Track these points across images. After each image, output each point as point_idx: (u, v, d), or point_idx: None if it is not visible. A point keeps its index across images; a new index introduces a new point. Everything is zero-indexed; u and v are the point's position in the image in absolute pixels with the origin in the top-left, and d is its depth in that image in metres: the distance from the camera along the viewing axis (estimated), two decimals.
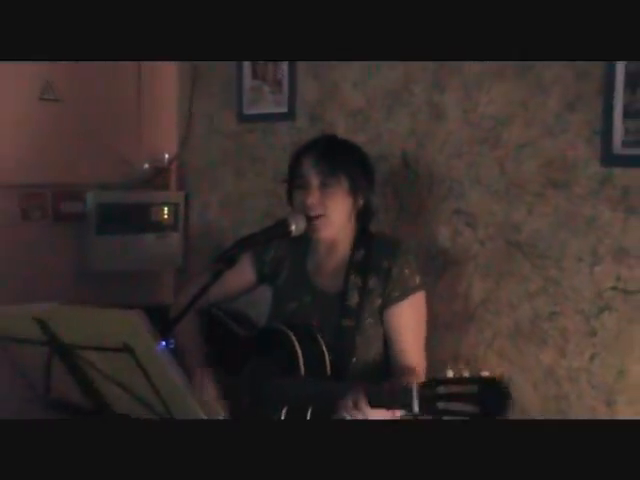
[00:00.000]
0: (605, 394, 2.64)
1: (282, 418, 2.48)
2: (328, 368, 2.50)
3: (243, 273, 2.75)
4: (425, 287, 2.61)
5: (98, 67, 3.58)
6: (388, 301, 2.57)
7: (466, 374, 2.10)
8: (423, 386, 2.13)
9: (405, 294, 2.57)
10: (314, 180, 2.58)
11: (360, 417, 2.27)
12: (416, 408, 2.14)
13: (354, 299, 2.58)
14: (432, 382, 2.13)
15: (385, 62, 3.12)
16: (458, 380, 2.09)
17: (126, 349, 2.07)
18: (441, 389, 2.11)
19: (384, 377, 2.52)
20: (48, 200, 3.59)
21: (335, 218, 2.59)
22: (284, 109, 3.52)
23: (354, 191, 2.61)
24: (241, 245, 2.58)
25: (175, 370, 2.09)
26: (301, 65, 3.43)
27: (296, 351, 2.49)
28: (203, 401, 2.46)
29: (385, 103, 3.15)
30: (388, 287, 2.56)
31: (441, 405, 2.10)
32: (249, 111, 3.67)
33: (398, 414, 2.25)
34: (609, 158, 2.61)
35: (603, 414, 2.64)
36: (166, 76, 3.90)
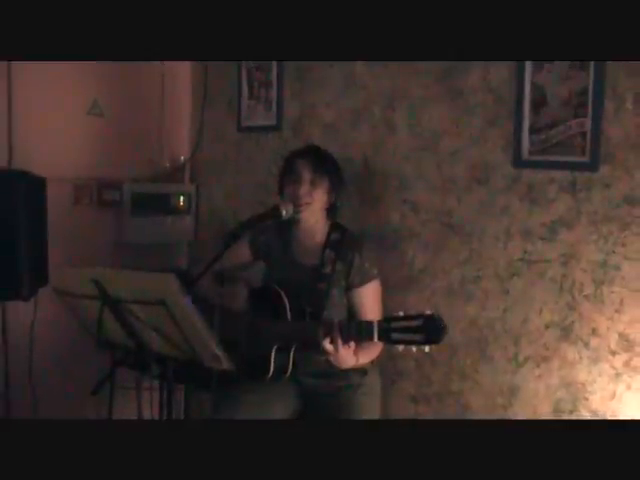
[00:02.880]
0: (514, 337, 2.67)
1: (273, 354, 2.52)
2: (307, 318, 2.54)
3: (243, 251, 2.81)
4: (379, 276, 2.67)
5: (131, 88, 3.64)
6: (351, 285, 2.63)
7: (413, 313, 2.19)
8: (381, 322, 2.24)
9: (364, 281, 2.63)
10: (306, 175, 2.64)
11: (333, 349, 2.34)
12: (375, 338, 2.23)
13: (327, 269, 2.63)
14: (388, 319, 2.24)
15: (351, 85, 3.12)
16: (407, 317, 2.19)
17: (161, 303, 2.11)
18: (394, 324, 2.20)
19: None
20: (94, 190, 3.63)
21: (317, 207, 2.66)
22: (273, 122, 3.50)
23: (332, 189, 2.69)
24: (243, 225, 2.64)
25: (198, 317, 2.12)
26: (287, 88, 3.43)
27: (284, 304, 2.54)
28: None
29: (351, 119, 3.15)
30: (351, 274, 2.62)
31: (395, 336, 2.20)
32: (246, 124, 3.67)
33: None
34: (519, 162, 2.63)
35: (511, 352, 2.68)
36: (183, 95, 3.91)
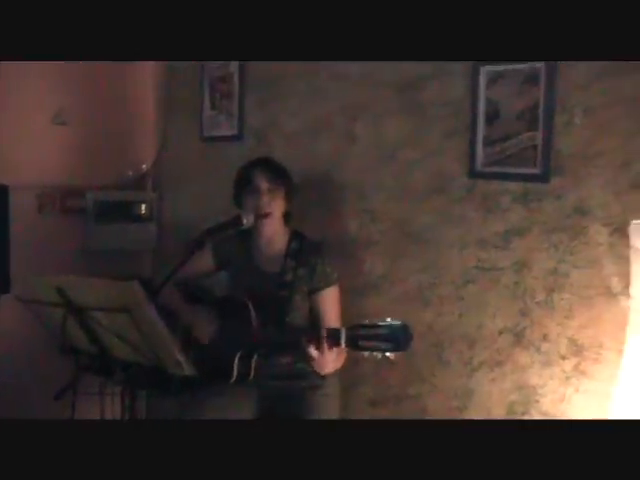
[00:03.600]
0: (469, 342, 2.74)
1: (236, 360, 2.55)
2: (270, 325, 2.58)
3: (206, 260, 2.84)
4: (339, 281, 2.72)
5: (94, 97, 3.65)
6: (313, 289, 2.69)
7: (380, 321, 2.24)
8: (348, 329, 2.29)
9: (327, 285, 2.69)
10: (264, 185, 2.70)
11: (318, 354, 2.38)
12: (343, 344, 2.29)
13: (289, 277, 2.68)
14: (355, 326, 2.29)
15: (314, 97, 3.18)
16: (374, 325, 2.24)
17: (125, 310, 2.14)
18: (361, 331, 2.25)
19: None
20: (57, 198, 3.64)
21: (277, 216, 2.72)
22: (235, 132, 3.55)
23: (288, 197, 2.74)
24: (205, 234, 2.67)
25: (161, 324, 2.15)
26: (250, 99, 3.48)
27: (249, 311, 2.57)
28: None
29: (313, 130, 3.20)
30: (314, 279, 2.68)
31: (361, 343, 2.25)
32: (208, 133, 3.70)
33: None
34: (474, 173, 2.69)
35: (467, 356, 2.74)
36: (146, 104, 3.93)
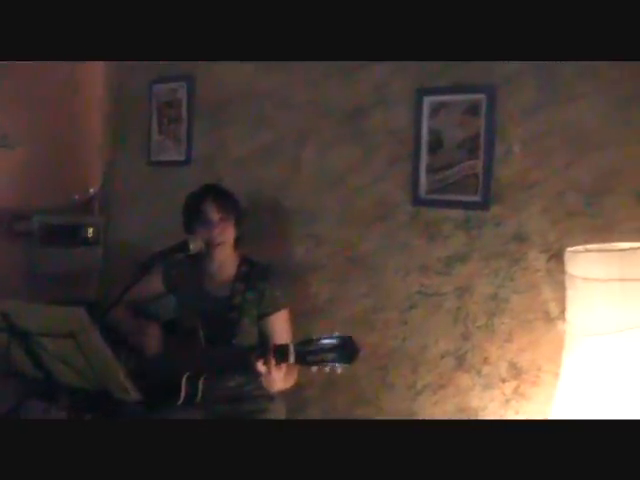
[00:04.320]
0: (412, 365, 2.78)
1: (184, 382, 2.52)
2: (218, 347, 2.57)
3: (155, 284, 2.83)
4: (288, 306, 2.71)
5: (42, 121, 3.63)
6: (262, 314, 2.69)
7: (327, 335, 2.27)
8: (297, 345, 2.30)
9: (276, 309, 2.69)
10: (215, 216, 2.70)
11: (266, 370, 2.36)
12: (292, 360, 2.30)
13: (237, 300, 2.68)
14: (303, 342, 2.30)
15: (262, 124, 3.20)
16: (322, 339, 2.26)
17: (70, 336, 2.11)
18: (309, 347, 2.27)
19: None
20: (4, 221, 3.59)
21: (228, 243, 2.73)
22: (182, 157, 3.54)
23: (238, 224, 2.76)
24: (153, 258, 2.66)
25: (106, 350, 2.14)
26: (198, 124, 3.49)
27: (198, 333, 2.56)
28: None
29: (260, 156, 3.22)
30: (263, 303, 2.68)
31: (310, 358, 2.27)
32: (156, 158, 3.69)
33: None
34: (417, 201, 2.75)
35: (410, 379, 2.78)
36: (93, 128, 3.90)
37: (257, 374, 2.42)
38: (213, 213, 2.71)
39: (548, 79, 2.52)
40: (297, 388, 2.98)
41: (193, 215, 2.76)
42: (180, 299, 2.82)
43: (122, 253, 3.85)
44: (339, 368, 2.25)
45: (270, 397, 2.72)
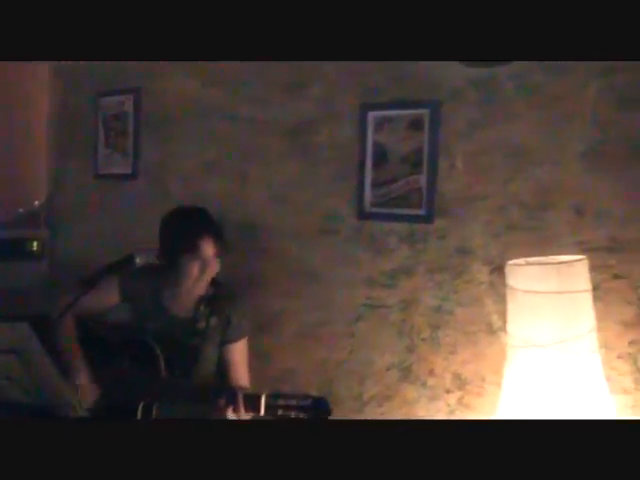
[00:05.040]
0: (359, 377, 2.80)
1: (140, 409, 2.44)
2: (177, 374, 2.54)
3: (111, 297, 2.73)
4: (249, 334, 2.69)
5: None
6: (226, 341, 2.65)
7: (300, 393, 2.27)
8: (269, 397, 2.27)
9: (240, 337, 2.66)
10: (211, 253, 2.61)
11: (234, 416, 2.33)
12: (262, 412, 2.28)
13: (201, 325, 2.63)
14: (276, 395, 2.28)
15: (209, 138, 3.21)
16: (294, 395, 2.26)
17: (13, 351, 2.05)
18: (281, 401, 2.25)
19: (217, 386, 2.57)
20: None
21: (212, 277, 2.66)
22: (129, 171, 3.53)
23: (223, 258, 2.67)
24: (99, 272, 2.61)
25: (51, 366, 2.12)
26: (145, 137, 3.47)
27: (158, 358, 2.52)
28: (76, 385, 2.45)
29: (208, 170, 3.22)
30: (228, 331, 2.64)
31: (280, 412, 2.25)
32: (102, 171, 3.67)
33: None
34: (362, 214, 2.78)
35: (357, 391, 2.80)
36: (38, 141, 3.88)
37: (222, 414, 2.37)
38: (209, 249, 2.60)
39: (490, 95, 2.57)
40: None
41: (186, 250, 2.59)
42: (138, 315, 2.74)
43: (67, 267, 3.82)
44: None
45: None
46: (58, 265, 3.88)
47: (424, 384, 2.67)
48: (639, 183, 2.34)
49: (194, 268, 2.60)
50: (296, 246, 2.98)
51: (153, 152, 3.45)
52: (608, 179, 2.38)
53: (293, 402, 2.24)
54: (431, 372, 2.65)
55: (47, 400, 2.16)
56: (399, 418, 2.70)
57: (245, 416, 2.34)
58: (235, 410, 2.33)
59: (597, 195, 2.40)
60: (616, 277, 2.37)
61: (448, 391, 2.62)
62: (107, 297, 2.72)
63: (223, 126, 3.18)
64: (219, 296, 2.68)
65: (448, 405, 2.62)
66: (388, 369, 2.74)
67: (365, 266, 2.79)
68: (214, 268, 2.64)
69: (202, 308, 2.66)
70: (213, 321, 2.64)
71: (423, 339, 2.67)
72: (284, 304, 3.01)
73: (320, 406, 2.24)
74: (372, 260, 2.78)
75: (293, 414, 2.24)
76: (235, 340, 2.66)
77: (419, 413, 2.68)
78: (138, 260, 2.62)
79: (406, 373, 2.70)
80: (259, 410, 2.28)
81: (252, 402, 2.29)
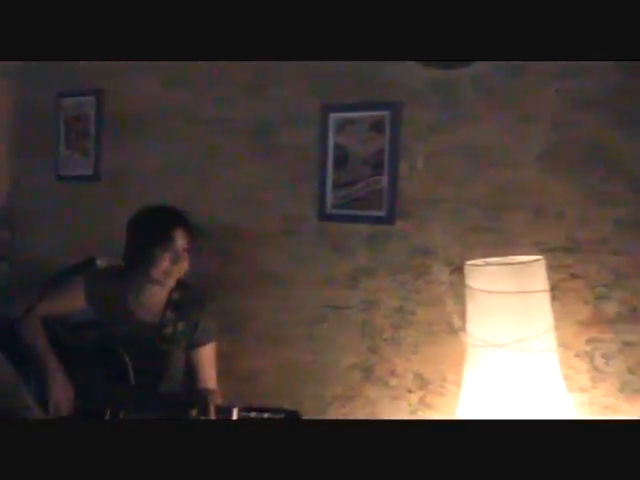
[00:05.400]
0: (321, 378, 2.80)
1: (107, 415, 2.44)
2: (146, 380, 2.52)
3: (76, 296, 2.71)
4: (216, 338, 2.69)
5: None
6: (194, 345, 2.64)
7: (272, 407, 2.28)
8: (241, 410, 2.28)
9: (207, 341, 2.66)
10: (183, 245, 2.62)
11: None
12: None
13: (169, 330, 2.62)
14: (249, 408, 2.28)
15: (171, 140, 3.18)
16: (266, 409, 2.26)
17: None
18: (253, 414, 2.26)
19: (187, 395, 2.57)
20: None
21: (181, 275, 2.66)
22: (90, 173, 3.49)
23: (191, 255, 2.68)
24: (60, 275, 2.60)
25: (8, 369, 2.12)
26: (106, 139, 3.44)
27: (126, 365, 2.49)
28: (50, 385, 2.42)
29: (170, 172, 3.20)
30: (195, 335, 2.64)
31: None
32: (64, 173, 3.62)
33: None
34: (324, 216, 2.78)
35: (319, 391, 2.80)
36: None
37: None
38: (183, 243, 2.62)
39: (450, 97, 2.59)
40: None
41: (158, 242, 2.61)
42: (103, 318, 2.71)
43: (29, 269, 3.77)
44: None
45: None
46: (19, 267, 3.83)
47: (386, 384, 2.68)
48: (595, 184, 2.38)
49: (166, 261, 2.60)
50: (258, 247, 2.97)
51: (115, 153, 3.42)
52: (565, 180, 2.42)
53: (265, 415, 2.25)
54: (393, 372, 2.67)
55: (4, 403, 2.15)
56: (362, 418, 2.71)
57: None
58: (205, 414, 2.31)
59: (554, 196, 2.43)
60: (573, 277, 2.40)
61: (410, 391, 2.64)
62: (72, 300, 2.70)
63: (185, 127, 3.16)
64: (186, 300, 2.67)
65: (410, 405, 2.64)
66: (350, 369, 2.75)
67: (327, 267, 2.80)
68: (184, 263, 2.64)
69: (169, 313, 2.65)
70: (180, 326, 2.64)
71: (385, 339, 2.68)
72: (246, 306, 2.99)
73: (291, 419, 2.24)
74: (334, 261, 2.78)
75: None
76: (203, 344, 2.66)
77: (381, 413, 2.69)
78: (99, 262, 2.61)
79: (368, 373, 2.71)
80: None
81: (223, 414, 2.29)
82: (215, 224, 3.07)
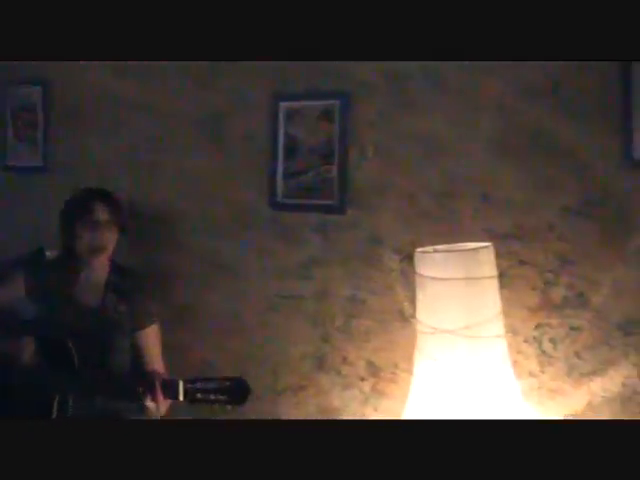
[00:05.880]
0: (273, 367, 2.80)
1: (55, 404, 2.41)
2: (91, 365, 2.47)
3: (16, 288, 2.67)
4: (159, 319, 2.68)
5: None
6: (135, 327, 2.63)
7: (218, 376, 2.28)
8: (186, 382, 2.27)
9: (149, 322, 2.65)
10: (104, 218, 2.62)
11: (154, 407, 2.33)
12: (181, 397, 2.28)
13: (110, 313, 2.60)
14: (194, 379, 2.28)
15: (120, 129, 3.14)
16: (212, 378, 2.27)
17: None
18: (199, 385, 2.25)
19: (133, 375, 2.55)
20: None
21: (110, 249, 2.66)
22: (40, 163, 3.42)
23: (121, 230, 2.69)
24: (7, 266, 2.57)
25: None
26: (55, 129, 3.38)
27: (71, 352, 2.46)
28: None
29: (119, 161, 3.15)
30: (136, 316, 2.62)
31: (199, 396, 2.24)
32: (11, 163, 3.53)
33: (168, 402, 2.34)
34: (275, 205, 2.77)
35: (271, 381, 2.79)
36: None
37: (143, 408, 2.35)
38: (102, 214, 2.63)
39: (399, 86, 2.60)
40: None
41: (78, 216, 2.63)
42: (47, 307, 2.66)
43: None
44: (229, 407, 2.24)
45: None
46: None
47: (338, 372, 2.68)
48: (542, 171, 2.40)
49: (86, 232, 2.60)
50: (209, 237, 2.95)
51: (63, 144, 3.35)
52: (513, 168, 2.44)
53: (212, 385, 2.25)
54: (345, 360, 2.67)
55: None
56: (314, 407, 2.72)
57: (164, 403, 2.33)
58: (153, 398, 2.31)
59: (503, 183, 2.46)
60: (521, 263, 2.42)
61: (362, 379, 2.65)
62: (12, 291, 2.66)
63: (134, 117, 3.12)
64: (126, 283, 2.66)
65: (362, 392, 2.64)
66: (302, 359, 2.75)
67: (278, 257, 2.79)
68: (107, 236, 2.63)
69: (109, 295, 2.63)
70: (122, 309, 2.62)
71: (337, 328, 2.69)
72: (198, 296, 2.97)
73: (239, 387, 2.25)
74: (285, 251, 2.78)
75: (212, 397, 2.25)
76: (146, 326, 2.64)
77: (334, 402, 2.69)
78: (49, 254, 2.59)
79: (320, 362, 2.72)
80: (178, 396, 2.28)
81: (171, 388, 2.29)
82: (165, 215, 3.04)
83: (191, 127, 2.98)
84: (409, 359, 2.40)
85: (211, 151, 2.94)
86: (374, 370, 2.63)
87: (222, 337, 2.91)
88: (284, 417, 2.78)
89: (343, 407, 2.68)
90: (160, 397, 2.31)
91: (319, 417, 2.71)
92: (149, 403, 2.32)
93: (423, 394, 2.24)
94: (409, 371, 2.43)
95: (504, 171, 2.45)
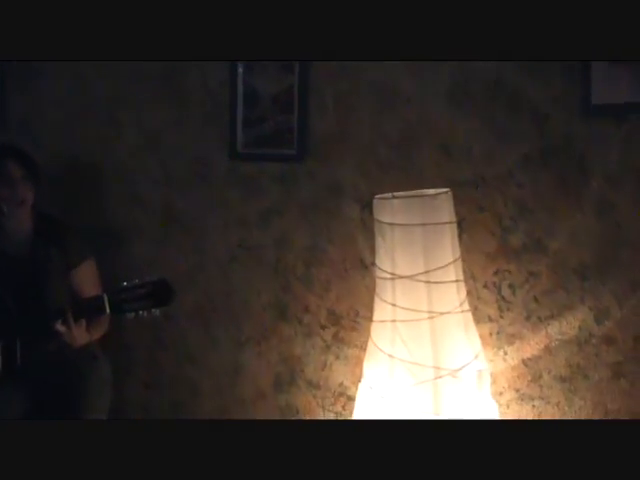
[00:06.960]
0: (236, 318, 2.78)
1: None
2: (31, 310, 2.45)
3: None
4: (94, 255, 2.65)
5: None
6: (69, 265, 2.61)
7: (139, 280, 2.26)
8: (110, 294, 2.27)
9: (83, 259, 2.63)
10: (17, 174, 2.58)
11: (66, 330, 2.31)
12: (107, 311, 2.26)
13: (40, 256, 2.58)
14: (117, 290, 2.27)
15: (78, 85, 3.05)
16: (135, 286, 2.25)
17: None
18: (124, 295, 2.25)
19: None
20: None
21: (29, 203, 2.62)
22: None
23: (37, 183, 2.64)
24: None
25: None
26: (11, 86, 3.28)
27: (6, 301, 2.44)
28: None
29: (78, 118, 3.06)
30: (68, 255, 2.60)
31: (126, 306, 2.23)
32: None
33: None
34: (234, 155, 2.73)
35: (234, 332, 2.78)
36: None
37: (57, 334, 2.34)
38: (15, 171, 2.59)
39: None
40: (123, 348, 2.94)
41: None
42: None
43: None
44: (157, 312, 2.23)
45: (93, 357, 2.63)
46: None
47: (300, 321, 2.67)
48: (500, 120, 2.38)
49: (8, 191, 2.56)
50: (168, 190, 2.90)
51: (19, 102, 3.25)
52: (471, 117, 2.42)
53: (136, 292, 2.24)
54: (306, 309, 2.66)
55: None
56: (277, 356, 2.70)
57: (78, 327, 2.32)
58: (64, 322, 2.31)
59: (461, 132, 2.44)
60: (481, 210, 2.41)
61: (323, 327, 2.64)
62: None
63: (92, 72, 3.03)
64: (53, 227, 2.64)
65: (324, 340, 2.64)
66: (264, 309, 2.73)
67: (238, 207, 2.76)
68: (23, 190, 2.59)
69: (38, 241, 2.60)
70: (53, 251, 2.60)
71: (298, 277, 2.66)
72: (157, 250, 2.93)
73: (162, 288, 2.25)
74: (244, 201, 2.75)
75: (137, 304, 2.25)
76: (79, 263, 2.63)
77: (296, 350, 2.68)
78: (5, 208, 2.53)
79: (282, 312, 2.70)
80: (104, 310, 2.27)
81: (95, 304, 2.28)
82: (124, 169, 2.99)
83: (150, 80, 2.91)
84: (370, 307, 2.39)
85: (170, 104, 2.88)
86: (335, 318, 2.62)
87: (183, 291, 2.82)
88: (247, 368, 2.77)
89: (305, 355, 2.67)
90: (70, 319, 2.30)
91: (282, 365, 2.70)
92: (60, 327, 2.32)
93: (382, 340, 2.23)
94: (369, 318, 2.42)
95: (463, 120, 2.43)
